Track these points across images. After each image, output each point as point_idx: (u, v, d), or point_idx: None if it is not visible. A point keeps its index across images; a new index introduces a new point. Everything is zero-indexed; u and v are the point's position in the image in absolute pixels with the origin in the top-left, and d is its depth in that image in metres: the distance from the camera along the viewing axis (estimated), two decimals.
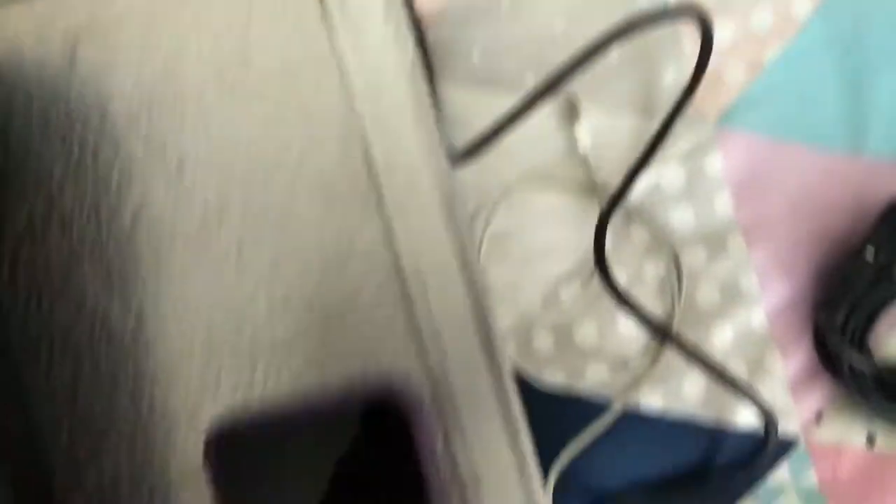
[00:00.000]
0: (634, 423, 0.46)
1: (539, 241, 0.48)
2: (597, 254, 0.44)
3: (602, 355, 0.47)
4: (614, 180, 0.45)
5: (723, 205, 0.46)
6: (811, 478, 0.46)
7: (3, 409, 0.28)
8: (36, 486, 0.28)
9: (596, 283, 0.46)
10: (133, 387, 0.29)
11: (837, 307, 0.43)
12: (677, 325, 0.46)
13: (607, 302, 0.46)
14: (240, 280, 0.29)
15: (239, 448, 0.27)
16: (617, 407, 0.46)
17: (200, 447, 0.27)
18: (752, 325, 0.46)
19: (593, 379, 0.47)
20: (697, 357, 0.45)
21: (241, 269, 0.29)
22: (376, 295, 0.29)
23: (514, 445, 0.28)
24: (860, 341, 0.44)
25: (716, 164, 0.46)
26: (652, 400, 0.47)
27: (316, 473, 0.26)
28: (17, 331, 0.29)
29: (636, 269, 0.47)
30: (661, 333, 0.45)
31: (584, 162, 0.47)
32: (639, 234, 0.47)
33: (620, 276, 0.46)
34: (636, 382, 0.46)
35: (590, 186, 0.47)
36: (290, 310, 0.29)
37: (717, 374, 0.45)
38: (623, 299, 0.44)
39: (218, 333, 0.29)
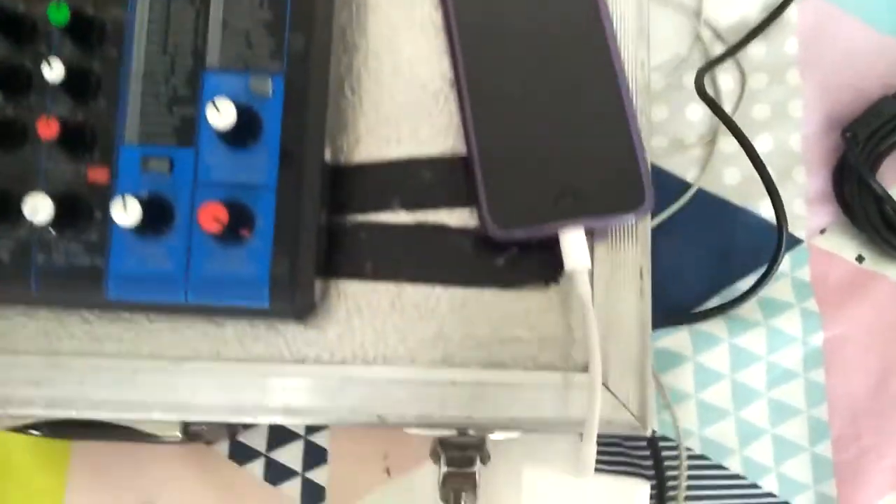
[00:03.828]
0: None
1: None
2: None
3: (665, 132, 0.59)
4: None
5: (791, 45, 0.59)
6: (805, 273, 0.57)
7: None
8: None
9: (678, 77, 0.59)
10: None
11: (863, 126, 0.55)
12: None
13: (686, 93, 0.58)
14: None
15: None
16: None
17: None
18: (790, 142, 0.58)
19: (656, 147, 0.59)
20: (748, 145, 0.55)
21: None
22: None
23: None
24: (873, 164, 0.56)
25: (793, 15, 0.59)
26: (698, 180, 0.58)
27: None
28: None
29: (712, 79, 0.59)
30: (725, 120, 0.56)
31: None
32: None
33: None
34: (703, 163, 0.58)
35: (697, 9, 0.60)
36: None
37: (759, 163, 0.54)
38: (706, 96, 0.55)
39: None
